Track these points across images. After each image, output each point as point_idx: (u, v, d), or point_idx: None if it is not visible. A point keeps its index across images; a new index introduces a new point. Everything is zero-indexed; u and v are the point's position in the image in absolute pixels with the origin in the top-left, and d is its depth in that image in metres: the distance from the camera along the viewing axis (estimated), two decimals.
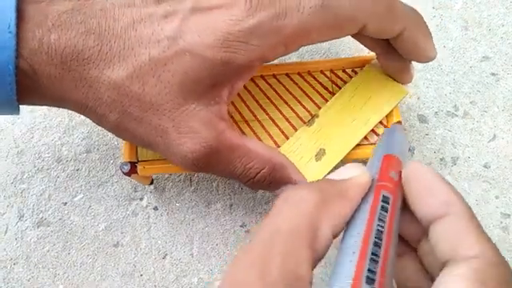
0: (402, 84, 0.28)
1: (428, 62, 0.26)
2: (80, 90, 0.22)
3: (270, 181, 0.24)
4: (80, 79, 0.21)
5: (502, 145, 0.32)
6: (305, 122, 0.28)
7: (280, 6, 0.21)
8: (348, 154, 0.27)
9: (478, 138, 0.32)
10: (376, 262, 0.16)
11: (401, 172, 0.19)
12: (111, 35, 0.21)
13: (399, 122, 0.26)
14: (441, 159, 0.32)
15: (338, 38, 0.24)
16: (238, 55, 0.21)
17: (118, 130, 0.23)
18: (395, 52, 0.26)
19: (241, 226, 0.31)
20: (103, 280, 0.30)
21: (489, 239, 0.17)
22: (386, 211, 0.18)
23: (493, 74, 0.33)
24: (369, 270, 0.15)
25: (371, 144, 0.27)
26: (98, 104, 0.22)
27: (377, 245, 0.16)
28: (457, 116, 0.32)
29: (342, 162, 0.26)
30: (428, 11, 0.35)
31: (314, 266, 0.16)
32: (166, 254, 0.30)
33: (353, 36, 0.26)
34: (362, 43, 0.27)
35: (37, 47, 0.20)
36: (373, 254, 0.16)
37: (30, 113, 0.34)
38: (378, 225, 0.17)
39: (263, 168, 0.24)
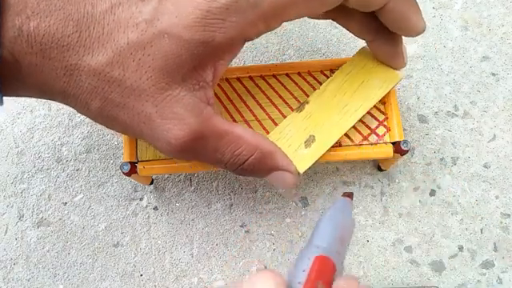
0: (396, 69, 0.27)
1: (417, 35, 0.25)
2: (61, 78, 0.21)
3: (259, 168, 0.24)
4: (60, 67, 0.21)
5: (501, 145, 0.32)
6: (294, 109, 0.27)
7: None
8: (332, 155, 0.26)
9: (478, 138, 0.32)
10: None
11: (331, 280, 0.17)
12: (90, 21, 0.21)
13: (351, 195, 0.22)
14: (441, 159, 0.32)
15: (321, 11, 0.23)
16: (216, 33, 0.21)
17: (101, 117, 0.23)
18: (385, 37, 0.25)
19: (241, 226, 0.31)
20: (103, 280, 0.30)
21: None
22: None
23: (493, 74, 0.33)
24: None
25: (357, 145, 0.27)
26: (79, 92, 0.22)
27: None
28: (457, 116, 0.32)
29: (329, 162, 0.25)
30: (428, 11, 0.35)
31: None
32: (166, 254, 0.30)
33: (339, 19, 0.25)
34: (349, 30, 0.26)
35: (16, 35, 0.20)
36: None
37: (30, 113, 0.34)
38: None
39: (251, 155, 0.23)
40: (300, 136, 0.26)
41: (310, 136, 0.26)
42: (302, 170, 0.25)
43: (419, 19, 0.24)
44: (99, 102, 0.22)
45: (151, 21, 0.21)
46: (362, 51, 0.28)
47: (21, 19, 0.20)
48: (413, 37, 0.25)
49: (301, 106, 0.27)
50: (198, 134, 0.22)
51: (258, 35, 0.23)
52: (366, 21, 0.25)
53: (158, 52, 0.21)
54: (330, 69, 0.29)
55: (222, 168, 0.24)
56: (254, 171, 0.24)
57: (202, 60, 0.22)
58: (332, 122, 0.26)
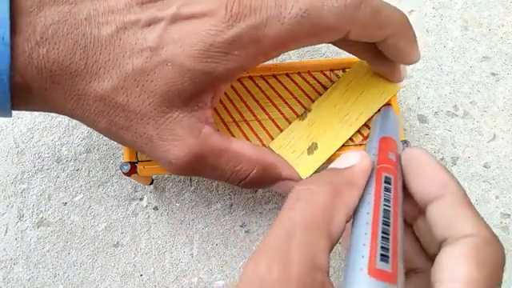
0: (394, 82, 0.28)
1: (412, 64, 0.26)
2: (69, 101, 0.22)
3: (262, 181, 0.25)
4: (69, 91, 0.22)
5: (501, 145, 0.32)
6: (298, 116, 0.28)
7: (260, 16, 0.21)
8: (338, 152, 0.27)
9: (478, 138, 0.32)
10: (387, 239, 0.17)
11: (397, 152, 0.20)
12: (96, 47, 0.21)
13: (389, 105, 0.27)
14: (441, 159, 0.32)
15: (321, 43, 0.24)
16: (218, 65, 0.22)
17: (108, 135, 0.24)
18: (382, 58, 0.26)
19: (241, 226, 0.31)
20: (103, 280, 0.30)
21: (482, 218, 0.18)
22: (389, 191, 0.18)
23: (493, 74, 0.33)
24: (382, 248, 0.16)
25: (356, 145, 0.27)
26: (87, 114, 0.22)
27: (386, 224, 0.17)
28: (457, 116, 0.32)
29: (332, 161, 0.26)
30: (428, 11, 0.35)
31: (329, 253, 0.17)
32: (166, 254, 0.30)
33: (336, 44, 0.26)
34: (346, 51, 0.27)
35: (27, 62, 0.21)
36: (383, 232, 0.17)
37: (29, 113, 0.34)
38: (385, 205, 0.18)
39: (252, 170, 0.24)
40: (303, 143, 0.27)
41: (313, 143, 0.26)
42: (304, 177, 0.26)
43: (415, 52, 0.25)
44: (105, 124, 0.23)
45: (156, 48, 0.21)
46: (362, 60, 0.28)
47: (30, 45, 0.20)
48: (407, 65, 0.26)
49: (303, 114, 0.27)
50: (197, 154, 0.23)
51: (257, 65, 0.24)
52: (363, 46, 0.26)
53: (161, 79, 0.21)
54: (330, 69, 0.29)
55: (227, 183, 0.25)
56: (257, 184, 0.25)
57: (202, 87, 0.22)
58: (334, 131, 0.27)
